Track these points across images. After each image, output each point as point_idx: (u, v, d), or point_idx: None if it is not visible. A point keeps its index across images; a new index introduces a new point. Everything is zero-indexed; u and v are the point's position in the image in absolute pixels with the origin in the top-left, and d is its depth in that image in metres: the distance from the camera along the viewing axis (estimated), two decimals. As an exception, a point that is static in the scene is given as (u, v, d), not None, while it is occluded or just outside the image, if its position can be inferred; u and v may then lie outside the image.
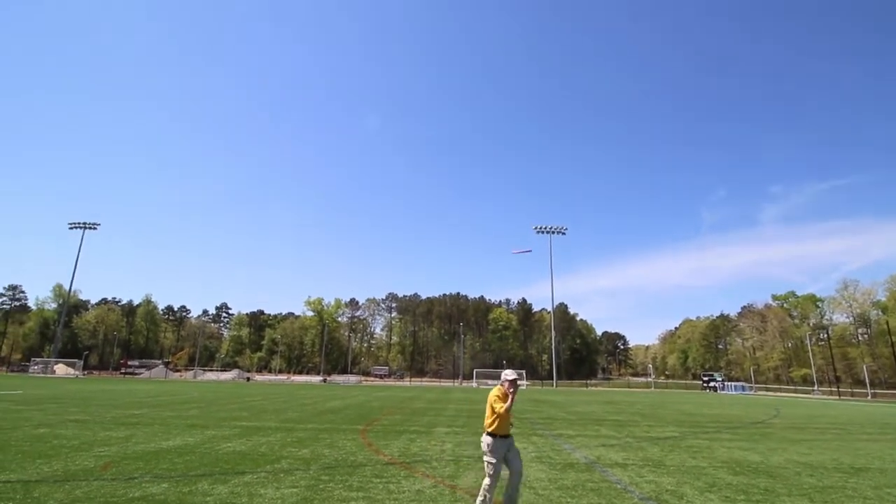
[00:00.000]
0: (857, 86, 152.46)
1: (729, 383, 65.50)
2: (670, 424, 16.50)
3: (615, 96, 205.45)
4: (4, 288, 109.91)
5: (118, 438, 10.06)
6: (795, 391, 63.41)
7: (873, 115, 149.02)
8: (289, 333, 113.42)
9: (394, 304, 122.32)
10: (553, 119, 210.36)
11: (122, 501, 5.39)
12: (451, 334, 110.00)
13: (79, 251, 79.06)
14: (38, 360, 73.28)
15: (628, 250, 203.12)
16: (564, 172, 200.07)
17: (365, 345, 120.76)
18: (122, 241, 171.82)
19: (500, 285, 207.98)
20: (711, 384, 65.13)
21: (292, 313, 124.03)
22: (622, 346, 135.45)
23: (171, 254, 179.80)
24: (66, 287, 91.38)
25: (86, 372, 74.78)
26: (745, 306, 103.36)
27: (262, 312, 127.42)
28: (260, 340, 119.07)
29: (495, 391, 5.00)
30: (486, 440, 4.84)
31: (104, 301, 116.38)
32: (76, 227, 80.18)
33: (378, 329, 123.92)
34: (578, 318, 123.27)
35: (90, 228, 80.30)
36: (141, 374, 73.06)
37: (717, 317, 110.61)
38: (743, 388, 61.86)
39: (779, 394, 58.26)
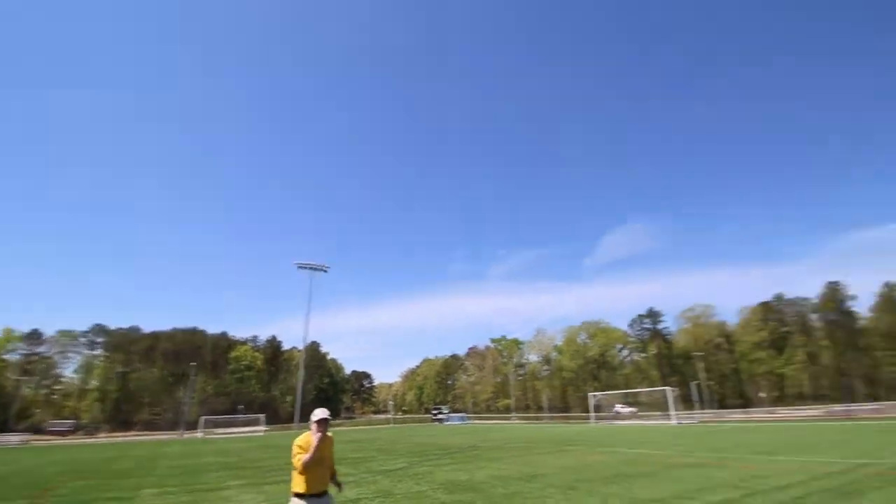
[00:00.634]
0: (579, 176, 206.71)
1: (452, 414, 75.00)
2: (403, 456, 17.87)
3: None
4: None
5: None
6: (500, 418, 77.28)
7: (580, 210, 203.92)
8: None
9: (99, 339, 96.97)
10: (336, 155, 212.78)
11: None
12: (180, 376, 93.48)
13: None
14: None
15: (385, 293, 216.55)
16: (328, 212, 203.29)
17: (43, 391, 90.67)
18: None
19: (247, 322, 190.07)
20: (438, 416, 73.31)
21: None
22: (368, 385, 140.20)
23: None
24: None
25: None
26: (470, 347, 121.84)
27: None
28: None
29: (300, 439, 4.35)
30: (292, 502, 4.24)
31: None
32: None
33: (69, 371, 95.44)
34: (329, 357, 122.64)
35: None
36: None
37: (449, 356, 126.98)
38: (462, 419, 71.79)
39: (488, 421, 69.86)
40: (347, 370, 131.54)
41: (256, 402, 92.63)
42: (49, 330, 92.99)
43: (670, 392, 41.50)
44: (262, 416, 56.94)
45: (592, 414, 50.52)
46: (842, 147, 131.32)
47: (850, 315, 79.29)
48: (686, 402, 64.81)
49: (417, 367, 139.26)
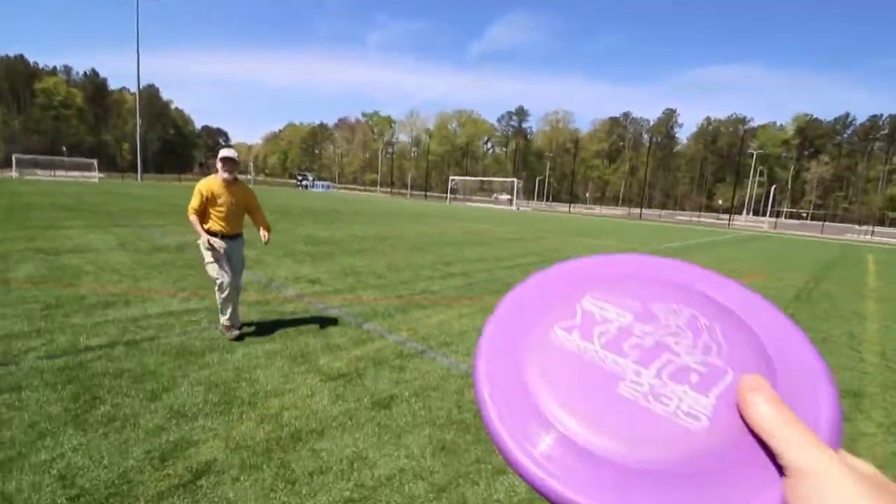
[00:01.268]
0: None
1: (318, 182, 76.09)
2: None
3: None
4: None
5: None
6: (365, 190, 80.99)
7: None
8: None
9: None
10: None
11: None
12: (-37, 102, 74.17)
13: None
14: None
15: (238, 41, 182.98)
16: None
17: None
18: None
19: (52, 46, 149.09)
20: (304, 182, 73.84)
21: None
22: (224, 143, 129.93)
23: None
24: None
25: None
26: (341, 118, 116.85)
27: None
28: None
29: (203, 184, 4.05)
30: (202, 239, 4.05)
31: None
32: None
33: None
34: (173, 107, 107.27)
35: None
36: None
37: (317, 124, 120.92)
38: (327, 187, 73.65)
39: (354, 192, 72.95)
40: (198, 124, 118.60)
41: (84, 146, 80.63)
42: None
43: (517, 183, 47.30)
44: (94, 162, 50.57)
45: (449, 195, 55.99)
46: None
47: (672, 139, 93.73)
48: (528, 193, 74.74)
49: (281, 130, 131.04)
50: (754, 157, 64.54)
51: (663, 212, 65.34)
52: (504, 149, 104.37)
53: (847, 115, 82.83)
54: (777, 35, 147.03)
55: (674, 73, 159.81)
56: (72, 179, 44.94)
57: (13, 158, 46.28)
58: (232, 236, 4.17)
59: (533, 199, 72.12)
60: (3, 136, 74.62)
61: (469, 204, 51.27)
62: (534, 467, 0.27)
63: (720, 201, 77.21)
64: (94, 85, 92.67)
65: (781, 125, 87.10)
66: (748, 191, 70.70)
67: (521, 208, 46.15)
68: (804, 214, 72.97)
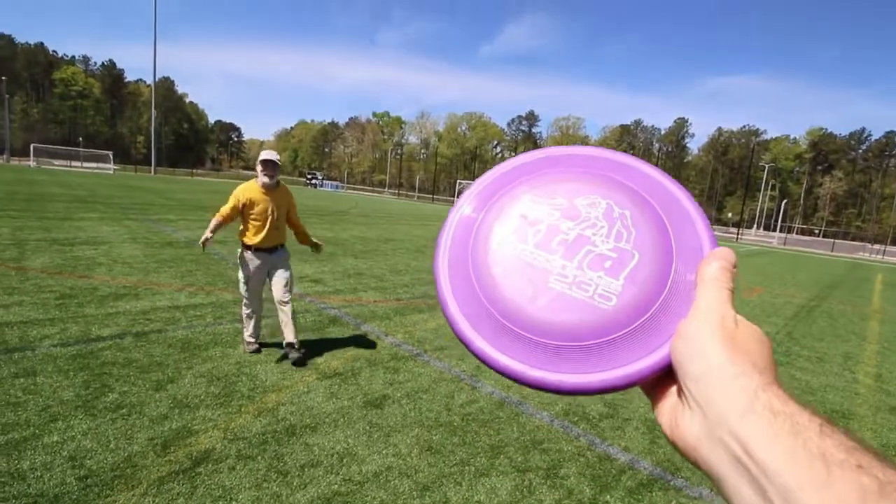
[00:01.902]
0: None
1: (327, 181, 76.66)
2: (272, 211, 18.72)
3: None
4: None
5: None
6: (374, 191, 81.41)
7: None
8: None
9: None
10: None
11: None
12: (-16, 90, 75.76)
13: None
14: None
15: (253, 37, 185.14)
16: None
17: None
18: None
19: (72, 33, 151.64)
20: (313, 181, 74.42)
21: None
22: (236, 139, 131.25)
23: None
24: None
25: None
26: (351, 118, 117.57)
27: None
28: None
29: (240, 189, 3.80)
30: (240, 253, 3.85)
31: None
32: None
33: None
34: (188, 101, 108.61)
35: None
36: None
37: (328, 123, 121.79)
38: (337, 186, 74.14)
39: (362, 192, 73.38)
40: (211, 119, 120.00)
41: (100, 137, 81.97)
42: None
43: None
44: (109, 154, 51.42)
45: (456, 199, 56.17)
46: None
47: (683, 149, 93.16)
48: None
49: (292, 128, 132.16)
50: (766, 170, 64.05)
51: (672, 222, 64.94)
52: (513, 153, 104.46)
53: (863, 130, 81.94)
54: (793, 47, 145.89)
55: (687, 83, 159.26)
56: (87, 171, 45.73)
57: (31, 148, 47.20)
58: (270, 249, 3.78)
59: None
60: (23, 125, 75.98)
61: (477, 208, 51.38)
62: (467, 332, 0.36)
63: (730, 214, 76.70)
64: (112, 76, 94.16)
65: (795, 139, 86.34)
66: (759, 204, 70.20)
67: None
68: (816, 231, 72.34)
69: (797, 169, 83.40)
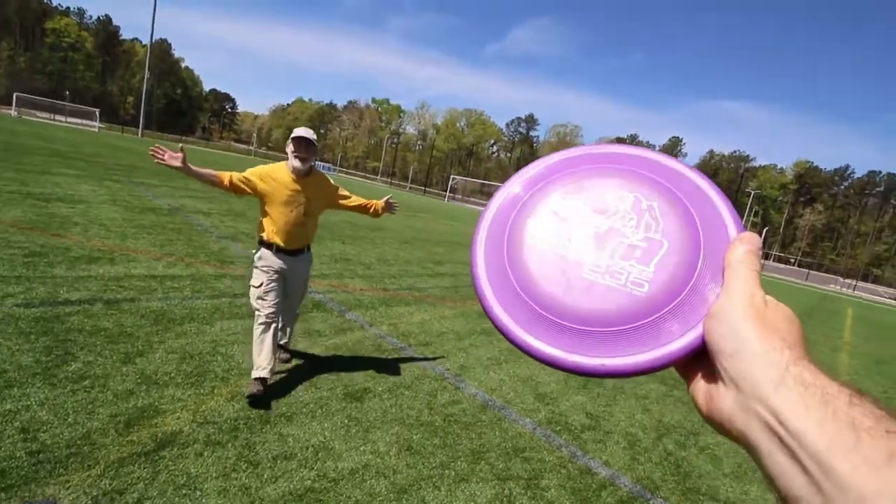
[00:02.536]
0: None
1: (319, 162, 75.73)
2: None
3: None
4: None
5: None
6: (366, 177, 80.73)
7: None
8: None
9: None
10: None
11: None
12: (-32, 31, 72.46)
13: None
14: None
15: (256, 6, 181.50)
16: None
17: None
18: None
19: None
20: (305, 161, 73.45)
21: None
22: (230, 109, 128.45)
23: None
24: None
25: None
26: (350, 101, 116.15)
27: None
28: None
29: (263, 169, 3.00)
30: (258, 253, 3.05)
31: None
32: None
33: None
34: (184, 66, 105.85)
35: None
36: None
37: (326, 104, 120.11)
38: (328, 169, 73.33)
39: (354, 178, 72.71)
40: (206, 87, 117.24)
41: (88, 93, 79.48)
42: None
43: (517, 191, 47.48)
44: (96, 111, 49.80)
45: (448, 194, 55.99)
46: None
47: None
48: (526, 202, 74.74)
49: (289, 105, 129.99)
50: (751, 196, 65.30)
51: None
52: (509, 154, 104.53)
53: (847, 167, 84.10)
54: (788, 79, 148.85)
55: (683, 102, 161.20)
56: (71, 125, 44.24)
57: (14, 96, 45.42)
58: (293, 252, 3.02)
59: (531, 208, 71.96)
60: (8, 71, 73.14)
61: (467, 205, 51.30)
62: (505, 322, 0.38)
63: (713, 236, 77.76)
64: (107, 32, 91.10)
65: (781, 168, 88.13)
66: (742, 229, 71.21)
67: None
68: (792, 260, 74.07)
69: (780, 198, 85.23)
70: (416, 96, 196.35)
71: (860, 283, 47.82)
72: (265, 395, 2.82)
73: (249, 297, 2.99)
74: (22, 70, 76.65)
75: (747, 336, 0.29)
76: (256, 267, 2.97)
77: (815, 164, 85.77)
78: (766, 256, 60.12)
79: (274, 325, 2.90)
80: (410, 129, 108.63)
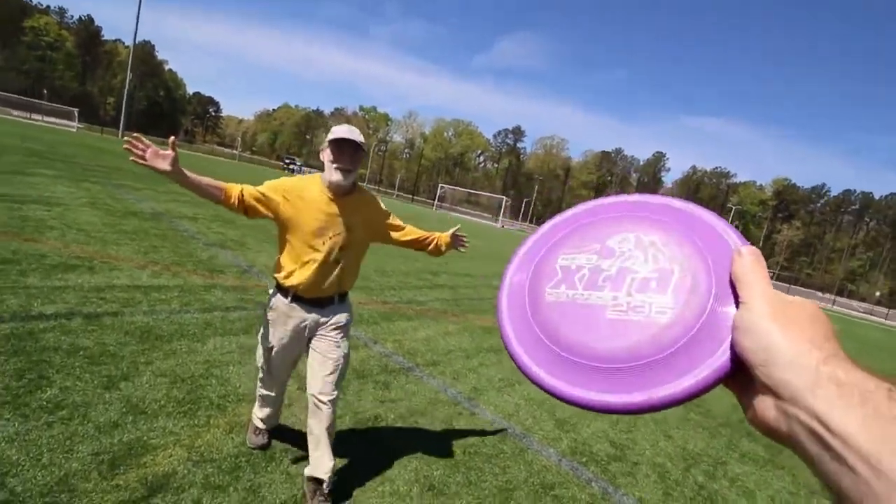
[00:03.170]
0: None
1: (305, 168, 74.91)
2: (247, 193, 17.82)
3: None
4: None
5: None
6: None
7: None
8: None
9: None
10: None
11: None
12: (-58, 25, 70.13)
13: None
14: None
15: (242, 9, 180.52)
16: None
17: None
18: None
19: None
20: (291, 166, 72.56)
21: None
22: (214, 113, 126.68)
23: None
24: None
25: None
26: (337, 108, 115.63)
27: None
28: None
29: (288, 181, 2.13)
30: (273, 297, 2.19)
31: None
32: None
33: None
34: (167, 68, 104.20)
35: None
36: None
37: (313, 110, 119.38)
38: (312, 171, 72.69)
39: (338, 184, 72.03)
40: (190, 90, 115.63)
41: (67, 93, 77.51)
42: None
43: (505, 200, 47.52)
44: (74, 111, 48.46)
45: (436, 203, 55.83)
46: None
47: (658, 182, 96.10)
48: (514, 213, 75.31)
49: (275, 110, 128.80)
50: (732, 212, 66.65)
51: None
52: (496, 165, 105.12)
53: (823, 185, 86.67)
54: (770, 97, 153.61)
55: (667, 118, 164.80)
56: (48, 125, 42.91)
57: (-12, 91, 43.89)
58: (320, 302, 2.12)
59: (518, 219, 72.56)
60: (-19, 68, 70.93)
61: (455, 214, 51.23)
62: (536, 372, 0.40)
63: (695, 249, 79.18)
64: (88, 32, 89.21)
65: (761, 185, 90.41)
66: (722, 243, 72.65)
67: (506, 227, 46.36)
68: (772, 274, 75.60)
69: (759, 214, 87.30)
70: (404, 105, 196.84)
71: (838, 298, 48.99)
72: (265, 447, 2.41)
73: (255, 356, 2.33)
74: (-2, 67, 74.41)
75: (774, 343, 0.29)
76: (265, 318, 2.18)
77: (792, 181, 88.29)
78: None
79: (278, 399, 2.39)
80: (398, 138, 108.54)
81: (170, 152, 1.81)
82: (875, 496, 0.23)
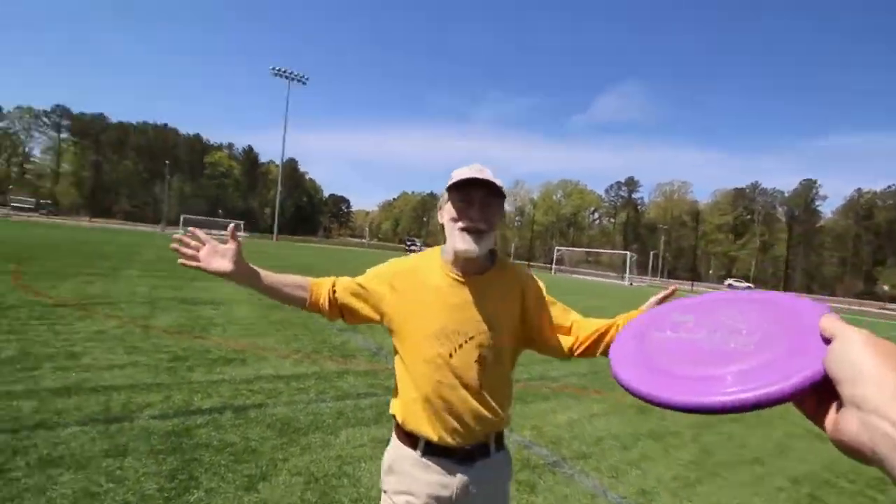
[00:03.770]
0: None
1: (424, 247, 79.38)
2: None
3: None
4: None
5: None
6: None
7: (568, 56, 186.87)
8: None
9: (65, 123, 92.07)
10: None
11: None
12: (154, 173, 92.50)
13: None
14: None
15: (364, 118, 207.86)
16: (306, 15, 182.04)
17: (16, 169, 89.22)
18: None
19: (221, 126, 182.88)
20: (412, 248, 77.54)
21: None
22: (345, 209, 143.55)
23: None
24: None
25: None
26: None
27: None
28: None
29: (395, 264, 1.47)
30: (391, 448, 1.41)
31: None
32: None
33: (37, 151, 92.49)
34: (308, 178, 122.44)
35: None
36: None
37: (427, 194, 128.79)
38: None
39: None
40: (325, 193, 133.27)
41: (236, 210, 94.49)
42: (6, 104, 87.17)
43: (630, 256, 44.38)
44: (241, 223, 58.63)
45: (554, 266, 54.39)
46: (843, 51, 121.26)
47: (813, 213, 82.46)
48: (641, 268, 69.91)
49: (395, 199, 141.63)
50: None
51: (807, 296, 56.07)
52: (612, 220, 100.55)
53: None
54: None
55: (806, 142, 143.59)
56: (224, 238, 52.17)
57: (181, 217, 55.59)
58: (461, 455, 1.31)
59: (647, 274, 66.92)
60: (178, 199, 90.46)
61: (576, 276, 49.09)
62: (639, 386, 0.50)
63: (885, 287, 64.63)
64: (249, 159, 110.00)
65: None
66: (924, 277, 58.29)
67: (634, 284, 42.91)
68: None
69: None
70: (509, 174, 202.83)
71: None
72: None
73: None
74: (188, 196, 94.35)
75: (864, 362, 0.34)
76: (385, 491, 1.37)
77: None
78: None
79: None
80: (508, 207, 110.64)
81: (231, 246, 1.37)
82: None
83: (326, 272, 1.80)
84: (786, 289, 61.80)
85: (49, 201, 75.78)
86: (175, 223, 61.52)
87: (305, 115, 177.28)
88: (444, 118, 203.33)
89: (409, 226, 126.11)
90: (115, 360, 4.49)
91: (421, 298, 1.33)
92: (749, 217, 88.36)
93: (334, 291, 1.40)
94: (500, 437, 1.38)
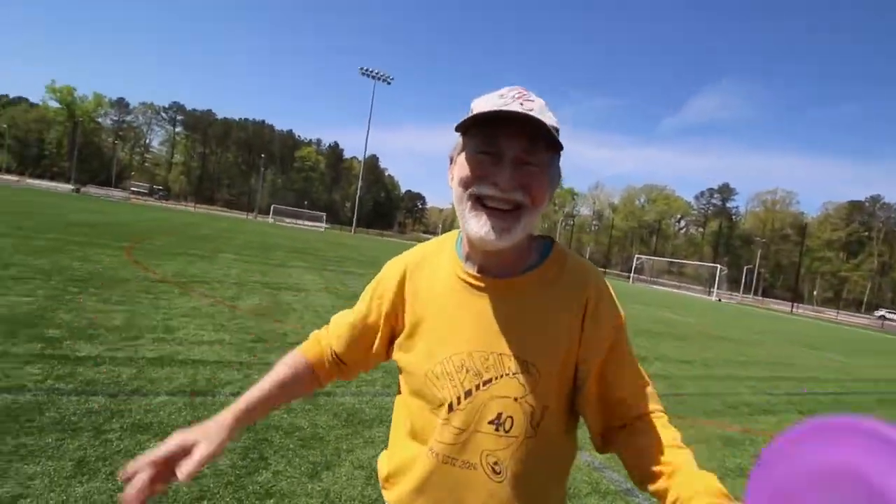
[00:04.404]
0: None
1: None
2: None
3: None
4: None
5: None
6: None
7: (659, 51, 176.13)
8: (20, 125, 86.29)
9: (179, 118, 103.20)
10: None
11: None
12: (250, 165, 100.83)
13: None
14: None
15: (442, 117, 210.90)
16: (397, 16, 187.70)
17: (137, 158, 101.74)
18: None
19: (311, 122, 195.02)
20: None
21: (25, 99, 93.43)
22: (420, 206, 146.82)
23: None
24: None
25: None
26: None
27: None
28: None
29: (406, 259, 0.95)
30: None
31: None
32: None
33: (156, 143, 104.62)
34: (387, 174, 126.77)
35: None
36: None
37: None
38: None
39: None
40: (402, 189, 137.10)
41: (320, 202, 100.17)
42: (133, 100, 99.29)
43: (719, 269, 40.94)
44: (324, 215, 62.18)
45: (633, 275, 51.60)
46: None
47: (953, 233, 70.81)
48: (732, 283, 64.17)
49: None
50: None
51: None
52: (701, 229, 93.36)
53: None
54: None
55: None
56: (306, 227, 55.62)
57: (272, 208, 60.10)
58: None
59: (738, 290, 61.29)
60: (270, 191, 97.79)
61: (656, 286, 46.21)
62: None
63: None
64: (335, 154, 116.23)
65: None
66: None
67: (723, 299, 39.52)
68: None
69: None
70: (590, 178, 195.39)
71: None
72: None
73: None
74: (278, 188, 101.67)
75: None
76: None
77: None
78: None
79: None
80: (585, 211, 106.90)
81: (215, 440, 0.78)
82: None
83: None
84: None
85: (161, 187, 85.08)
86: (266, 212, 66.43)
87: (387, 112, 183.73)
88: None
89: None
90: (204, 337, 4.84)
91: (417, 310, 0.87)
92: (866, 234, 77.88)
93: (332, 349, 0.99)
94: None
